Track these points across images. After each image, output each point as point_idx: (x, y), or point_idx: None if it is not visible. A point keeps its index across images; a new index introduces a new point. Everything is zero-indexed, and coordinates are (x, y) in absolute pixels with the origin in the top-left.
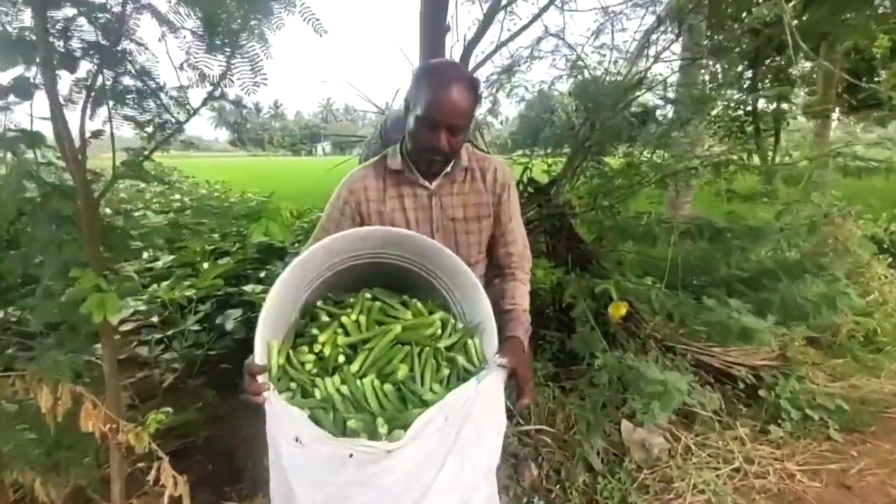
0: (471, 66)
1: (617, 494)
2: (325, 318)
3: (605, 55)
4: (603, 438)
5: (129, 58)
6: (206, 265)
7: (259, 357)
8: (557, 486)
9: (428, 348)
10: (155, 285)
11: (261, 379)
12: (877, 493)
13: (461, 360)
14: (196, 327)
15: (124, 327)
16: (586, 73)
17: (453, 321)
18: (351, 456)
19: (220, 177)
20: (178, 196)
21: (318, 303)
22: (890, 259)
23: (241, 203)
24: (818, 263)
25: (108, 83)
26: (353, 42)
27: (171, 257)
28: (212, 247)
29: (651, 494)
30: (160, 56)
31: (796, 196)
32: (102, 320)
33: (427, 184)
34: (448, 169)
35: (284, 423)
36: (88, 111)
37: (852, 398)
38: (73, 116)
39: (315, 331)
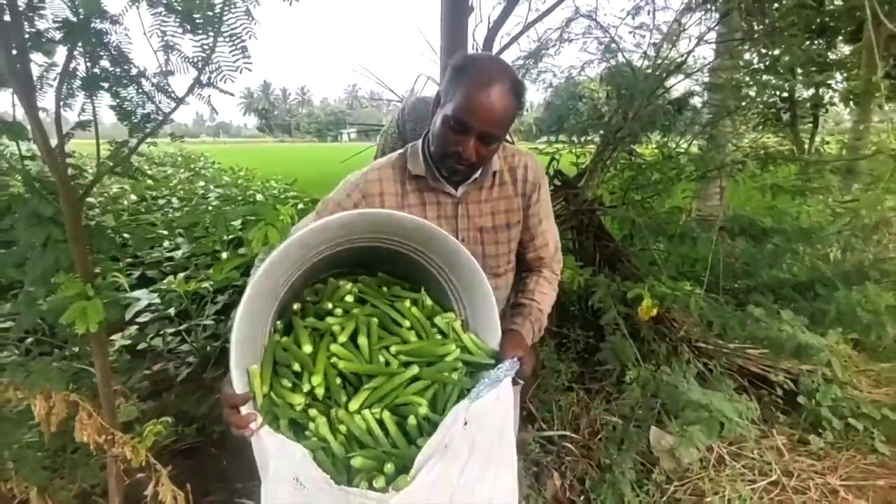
0: (494, 49)
1: None
2: (305, 338)
3: (643, 36)
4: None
5: (105, 39)
6: (224, 255)
7: (237, 386)
8: (581, 497)
9: (450, 385)
10: (171, 277)
11: (244, 410)
12: None
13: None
14: (212, 319)
15: (141, 318)
16: (620, 57)
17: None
18: None
19: (246, 163)
20: (202, 183)
21: (295, 306)
22: None
23: (262, 190)
24: (883, 269)
25: (85, 67)
26: (378, 26)
27: (191, 246)
28: (231, 237)
29: None
30: (138, 39)
31: (847, 192)
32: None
33: (452, 191)
34: (476, 174)
35: (282, 460)
36: (63, 100)
37: None
38: (49, 106)
39: (297, 365)
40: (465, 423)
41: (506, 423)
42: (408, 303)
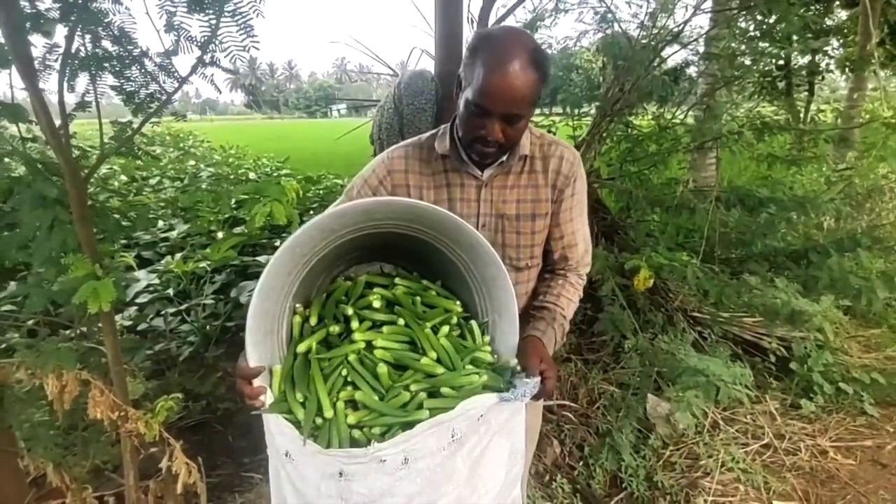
0: (491, 21)
1: (642, 472)
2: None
3: (640, 6)
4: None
5: (107, 19)
6: (220, 234)
7: (251, 359)
8: (581, 464)
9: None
10: (168, 258)
11: (256, 382)
12: None
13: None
14: (212, 299)
15: (140, 299)
16: (616, 27)
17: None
18: (341, 475)
19: (235, 140)
20: (192, 162)
21: (313, 320)
22: None
23: (254, 168)
24: (875, 237)
25: (86, 49)
26: None
27: (186, 226)
28: (226, 216)
29: (678, 472)
30: (141, 18)
31: (841, 160)
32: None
33: (478, 173)
34: (504, 157)
35: (277, 436)
36: (66, 81)
37: (888, 370)
38: (52, 88)
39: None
40: (481, 417)
41: (517, 435)
42: (441, 330)
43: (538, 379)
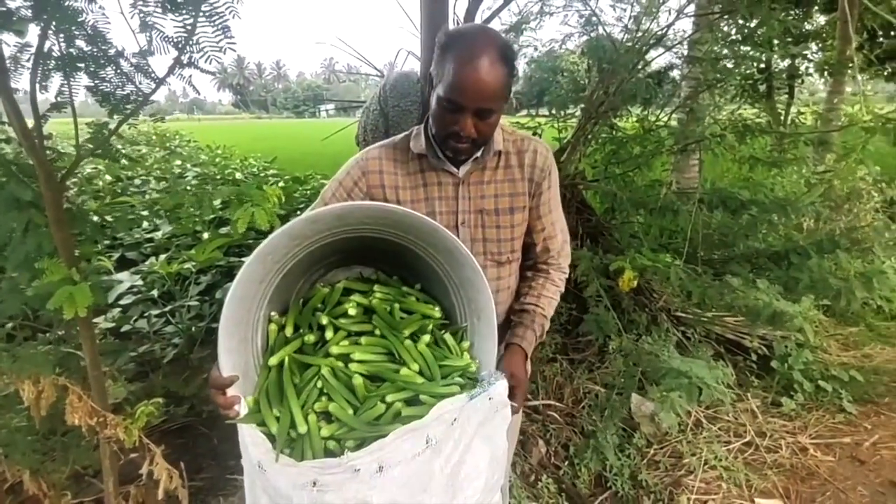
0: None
1: (627, 471)
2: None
3: (624, 9)
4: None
5: (80, 18)
6: (206, 235)
7: (224, 368)
8: (566, 463)
9: None
10: (153, 259)
11: (231, 392)
12: (890, 469)
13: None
14: (197, 300)
15: (124, 301)
16: (601, 30)
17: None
18: (314, 485)
19: (222, 140)
20: (178, 162)
21: (288, 331)
22: None
23: (241, 169)
24: (853, 238)
25: (60, 48)
26: None
27: (171, 227)
28: (212, 216)
29: (661, 470)
30: (116, 18)
31: (821, 162)
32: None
33: (454, 170)
34: (479, 153)
35: (250, 447)
36: (39, 82)
37: (866, 368)
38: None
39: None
40: (455, 420)
41: (497, 442)
42: (422, 339)
43: (504, 380)
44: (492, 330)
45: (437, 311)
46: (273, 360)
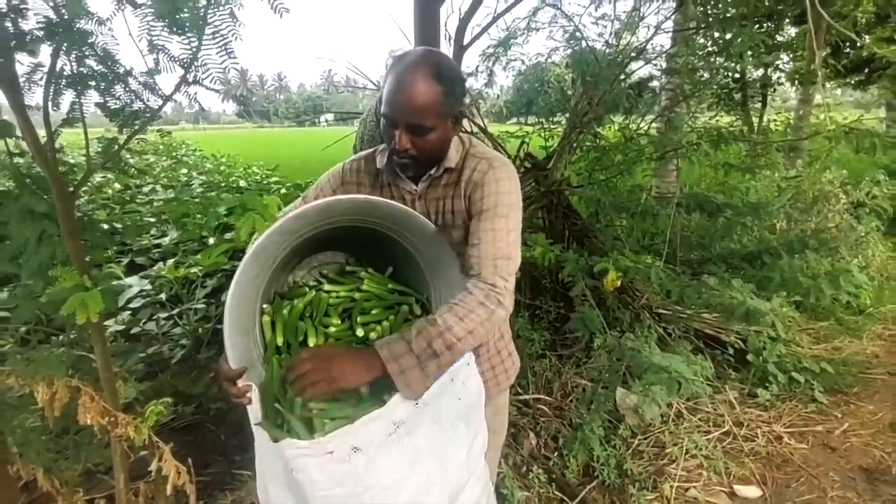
0: (466, 38)
1: (613, 461)
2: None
3: (605, 26)
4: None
5: (91, 39)
6: (212, 240)
7: (232, 362)
8: (555, 454)
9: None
10: (161, 264)
11: (241, 382)
12: (860, 455)
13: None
14: (203, 302)
15: (133, 304)
16: (584, 44)
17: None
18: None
19: (227, 149)
20: (184, 170)
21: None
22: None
23: (245, 176)
24: (821, 239)
25: (71, 67)
26: (352, 13)
27: (179, 233)
28: (215, 224)
29: (645, 460)
30: (125, 38)
31: (791, 168)
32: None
33: (412, 187)
34: (433, 170)
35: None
36: (51, 99)
37: (835, 360)
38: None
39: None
40: (418, 403)
41: (472, 407)
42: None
43: (467, 355)
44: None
45: (417, 308)
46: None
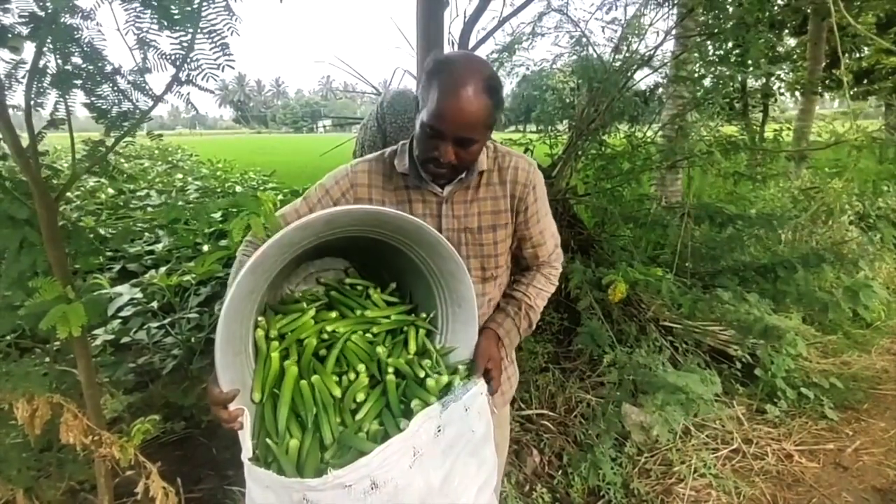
0: (471, 44)
1: (619, 480)
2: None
3: (616, 30)
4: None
5: (76, 35)
6: (206, 247)
7: (224, 384)
8: (559, 472)
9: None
10: (153, 271)
11: (232, 406)
12: (873, 475)
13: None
14: (196, 311)
15: (124, 313)
16: (590, 51)
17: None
18: (305, 500)
19: (223, 154)
20: (179, 175)
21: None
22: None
23: (241, 182)
24: (838, 253)
25: (56, 65)
26: (353, 18)
27: (172, 239)
28: (211, 229)
29: (653, 479)
30: (112, 35)
31: (798, 177)
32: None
33: (438, 190)
34: (462, 175)
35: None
36: (34, 98)
37: (845, 375)
38: (19, 102)
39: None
40: (439, 431)
41: (485, 439)
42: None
43: (481, 383)
44: (472, 316)
45: (424, 324)
46: (257, 397)
